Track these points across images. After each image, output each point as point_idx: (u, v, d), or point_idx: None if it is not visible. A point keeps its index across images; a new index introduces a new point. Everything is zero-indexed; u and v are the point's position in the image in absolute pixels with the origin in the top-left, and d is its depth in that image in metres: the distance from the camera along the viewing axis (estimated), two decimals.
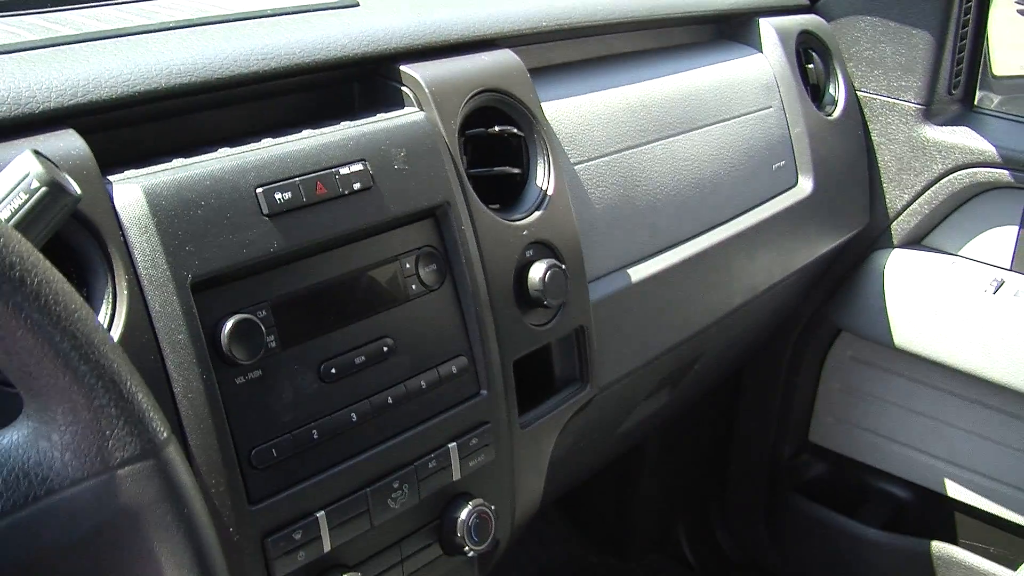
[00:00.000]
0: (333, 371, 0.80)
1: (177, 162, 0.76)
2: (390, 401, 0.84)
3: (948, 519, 1.69)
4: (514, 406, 0.96)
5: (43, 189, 0.55)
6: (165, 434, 0.44)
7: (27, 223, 0.57)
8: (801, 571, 1.84)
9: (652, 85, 1.23)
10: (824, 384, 1.76)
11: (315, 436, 0.78)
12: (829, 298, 1.65)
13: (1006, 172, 1.49)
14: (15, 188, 0.56)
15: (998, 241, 1.54)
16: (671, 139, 1.22)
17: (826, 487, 1.79)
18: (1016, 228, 1.53)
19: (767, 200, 1.36)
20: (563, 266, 0.97)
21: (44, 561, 0.40)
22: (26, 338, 0.40)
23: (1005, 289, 1.51)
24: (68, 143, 0.70)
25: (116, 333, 0.69)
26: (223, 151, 0.79)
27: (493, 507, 0.91)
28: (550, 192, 1.00)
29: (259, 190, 0.77)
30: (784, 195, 1.40)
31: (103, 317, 0.70)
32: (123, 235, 0.71)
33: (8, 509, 0.39)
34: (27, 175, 0.55)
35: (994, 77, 1.68)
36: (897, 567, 1.68)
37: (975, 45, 1.57)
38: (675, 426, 1.79)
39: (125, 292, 0.70)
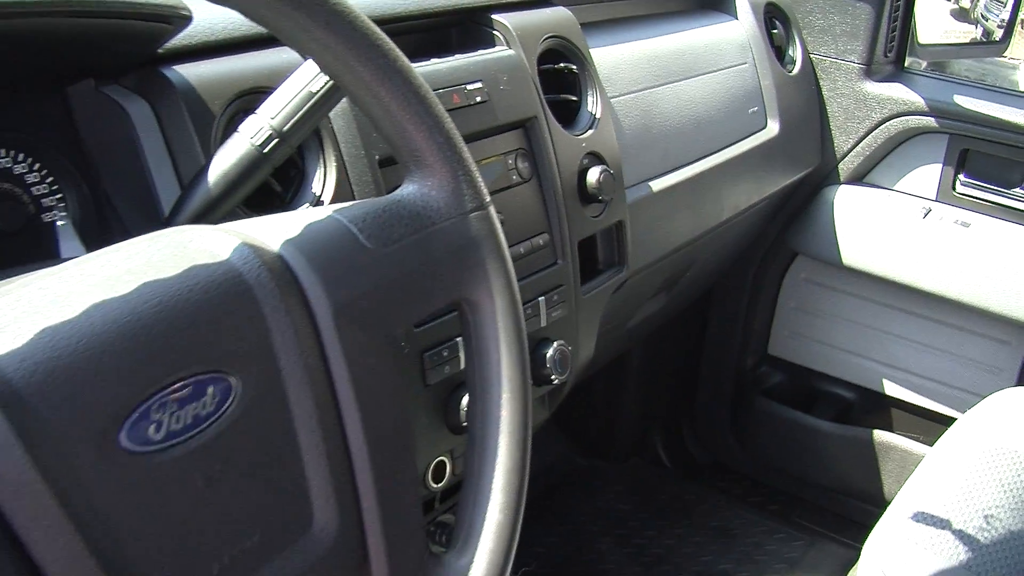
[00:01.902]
0: None
1: None
2: None
3: (886, 412, 2.02)
4: (578, 276, 1.25)
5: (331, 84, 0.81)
6: (488, 198, 0.72)
7: (316, 107, 0.83)
8: (762, 463, 2.16)
9: (658, 41, 1.53)
10: (781, 303, 2.08)
11: None
12: (787, 227, 1.97)
13: (932, 119, 1.82)
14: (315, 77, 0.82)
15: (925, 177, 1.88)
16: (674, 84, 1.52)
17: (784, 392, 2.12)
18: (940, 165, 1.86)
19: (745, 138, 1.67)
20: (611, 171, 1.27)
21: (432, 266, 0.67)
22: (413, 122, 0.67)
23: (932, 215, 1.84)
24: None
25: (327, 196, 0.96)
26: None
27: (569, 348, 1.20)
28: (598, 116, 1.29)
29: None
30: (757, 135, 1.71)
31: (317, 181, 0.97)
32: (330, 121, 0.98)
33: (412, 232, 0.66)
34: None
35: (919, 45, 2.02)
36: (845, 453, 2.01)
37: (905, 17, 1.90)
38: (654, 343, 2.09)
39: (333, 164, 0.97)
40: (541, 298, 1.17)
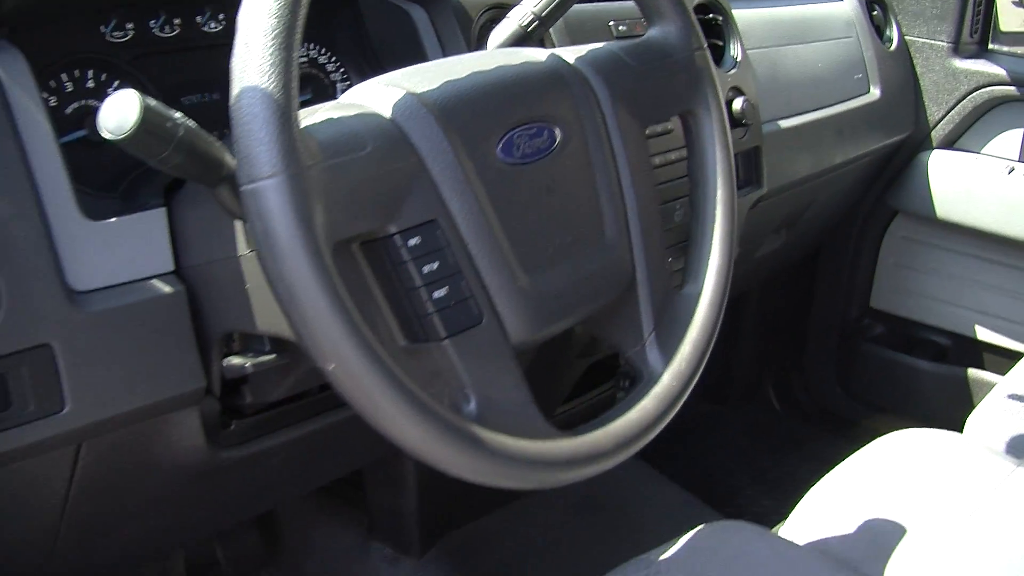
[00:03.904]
0: None
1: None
2: None
3: (978, 355, 2.27)
4: None
5: None
6: (705, 43, 1.03)
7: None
8: (864, 404, 2.41)
9: (780, 10, 1.84)
10: (882, 259, 2.35)
11: None
12: (887, 188, 2.25)
13: (1013, 89, 2.10)
14: None
15: (1009, 141, 2.15)
16: (794, 46, 1.82)
17: (885, 340, 2.38)
18: (1021, 130, 2.13)
19: (852, 99, 1.97)
20: (752, 102, 1.57)
21: (670, 85, 1.00)
22: None
23: (1016, 172, 2.11)
24: None
25: None
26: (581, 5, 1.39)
27: None
28: (739, 59, 1.60)
29: (611, 23, 1.36)
30: (861, 97, 2.00)
31: None
32: None
33: (658, 60, 0.98)
34: None
35: (1001, 32, 2.31)
36: (942, 390, 2.27)
37: (988, 4, 2.19)
38: (768, 294, 2.38)
39: None
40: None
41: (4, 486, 0.92)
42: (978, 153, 2.18)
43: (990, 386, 2.20)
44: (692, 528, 1.23)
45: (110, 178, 1.02)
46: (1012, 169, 2.11)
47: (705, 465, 2.22)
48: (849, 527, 1.28)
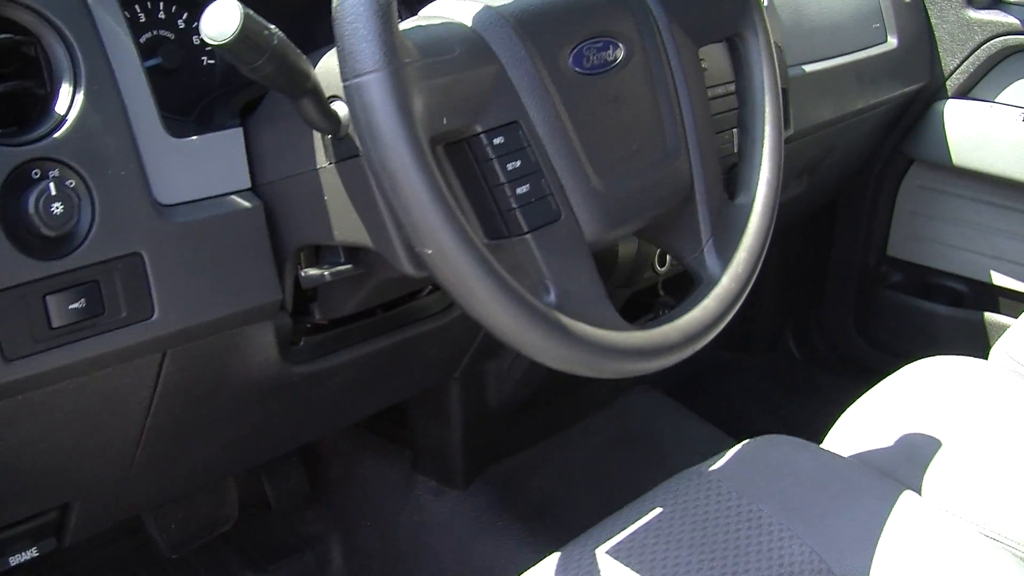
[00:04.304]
0: None
1: None
2: None
3: (993, 299, 2.33)
4: None
5: None
6: None
7: None
8: (880, 348, 2.47)
9: None
10: (898, 208, 2.39)
11: None
12: (903, 137, 2.30)
13: None
14: None
15: (1022, 89, 2.19)
16: None
17: (902, 287, 2.43)
18: None
19: (871, 46, 2.01)
20: (779, 45, 1.61)
21: (721, 9, 1.05)
22: None
23: None
24: None
25: None
26: None
27: None
28: (765, 4, 1.64)
29: None
30: (880, 46, 2.05)
31: None
32: None
33: None
34: None
35: None
36: (958, 334, 2.32)
37: None
38: (788, 244, 2.43)
39: None
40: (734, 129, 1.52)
41: (93, 393, 0.97)
42: (992, 102, 2.22)
43: (1000, 326, 2.25)
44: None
45: (184, 104, 1.06)
46: None
47: (728, 408, 2.28)
48: (887, 442, 1.33)
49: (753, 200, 1.04)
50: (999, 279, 2.31)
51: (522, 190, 0.85)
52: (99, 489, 1.14)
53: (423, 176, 0.74)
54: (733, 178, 1.08)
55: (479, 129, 0.84)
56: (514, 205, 0.85)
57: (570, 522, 1.68)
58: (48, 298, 0.86)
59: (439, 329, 1.27)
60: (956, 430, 1.33)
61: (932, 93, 2.25)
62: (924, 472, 1.27)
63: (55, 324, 0.87)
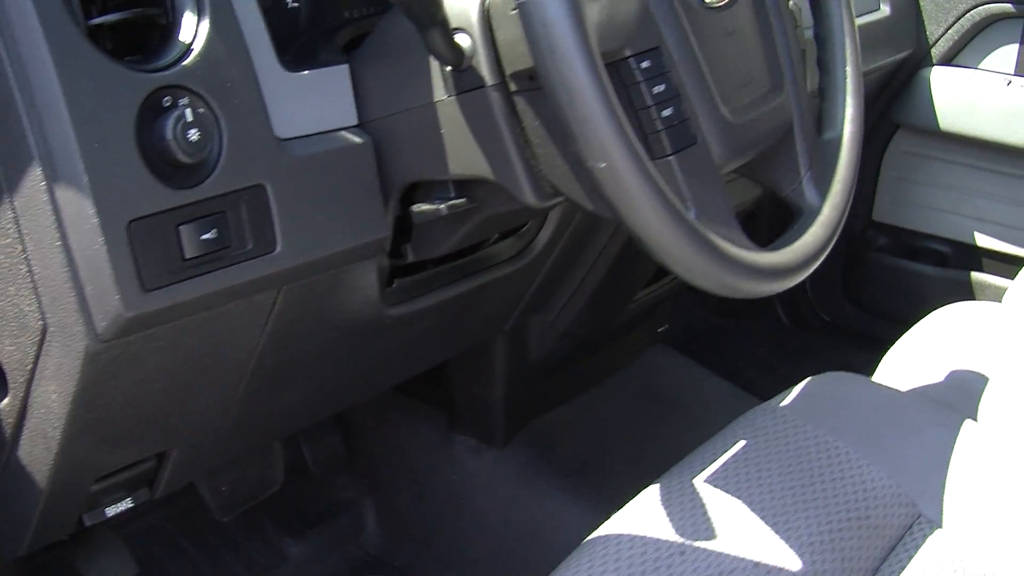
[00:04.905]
0: None
1: None
2: None
3: (977, 260, 2.41)
4: None
5: None
6: None
7: None
8: (869, 310, 2.54)
9: None
10: (883, 174, 2.47)
11: None
12: (890, 104, 2.37)
13: (1009, 6, 2.23)
14: None
15: (1005, 56, 2.28)
16: None
17: (888, 250, 2.50)
18: (1017, 45, 2.26)
19: (866, 13, 2.08)
20: (799, 6, 1.66)
21: None
22: None
23: (1013, 84, 2.24)
24: None
25: None
26: None
27: None
28: None
29: None
30: (873, 13, 2.11)
31: None
32: None
33: None
34: None
35: None
36: (945, 293, 2.40)
37: None
38: (777, 213, 2.48)
39: None
40: None
41: (212, 330, 0.97)
42: (976, 68, 2.31)
43: (993, 288, 2.34)
44: (741, 414, 1.31)
45: (283, 39, 1.06)
46: (1010, 82, 2.24)
47: (732, 368, 2.33)
48: (936, 378, 1.38)
49: (841, 134, 1.08)
50: (983, 240, 2.39)
51: (667, 113, 0.88)
52: (198, 436, 1.14)
53: (601, 91, 0.76)
54: (816, 116, 1.12)
55: (628, 52, 0.87)
56: (660, 127, 0.88)
57: (609, 476, 1.71)
58: (181, 228, 0.86)
59: (505, 278, 1.29)
60: (996, 365, 1.39)
61: (918, 61, 2.33)
62: (978, 402, 1.32)
63: (188, 255, 0.87)
